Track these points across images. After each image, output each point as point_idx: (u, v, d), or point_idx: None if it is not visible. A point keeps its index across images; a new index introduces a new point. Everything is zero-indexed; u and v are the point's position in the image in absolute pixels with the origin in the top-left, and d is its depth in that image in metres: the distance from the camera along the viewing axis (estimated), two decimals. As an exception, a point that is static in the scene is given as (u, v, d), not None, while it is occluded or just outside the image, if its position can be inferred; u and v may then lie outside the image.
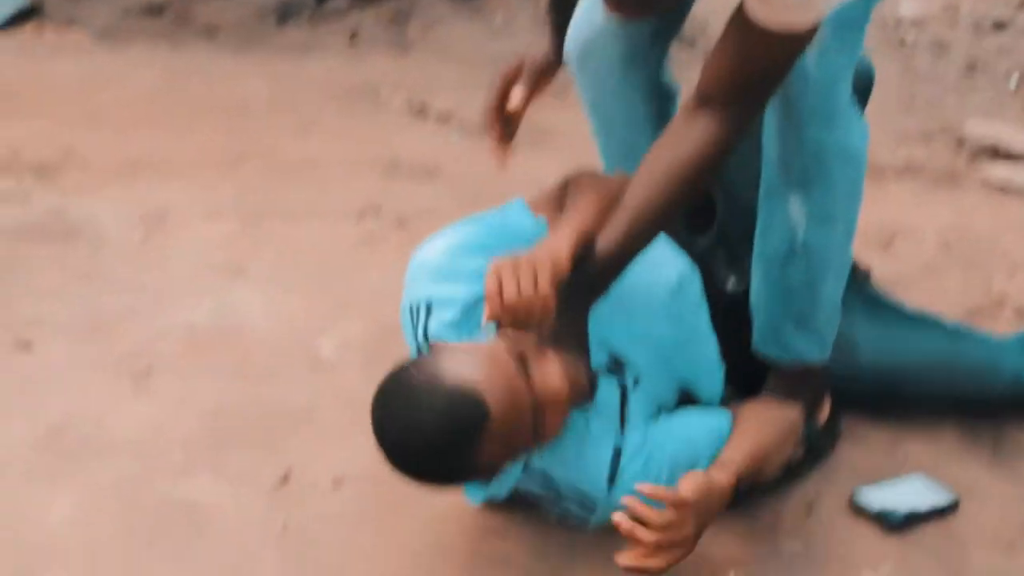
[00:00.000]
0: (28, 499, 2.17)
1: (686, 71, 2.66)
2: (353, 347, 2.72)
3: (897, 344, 2.52)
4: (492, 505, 2.20)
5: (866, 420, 2.53)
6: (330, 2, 5.59)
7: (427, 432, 1.86)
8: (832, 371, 2.42)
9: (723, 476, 2.04)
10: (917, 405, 2.56)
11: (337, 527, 2.15)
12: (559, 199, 2.30)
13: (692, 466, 2.08)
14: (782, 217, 2.28)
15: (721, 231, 2.51)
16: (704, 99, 2.04)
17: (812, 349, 2.37)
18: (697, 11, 2.38)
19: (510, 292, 1.95)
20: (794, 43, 1.96)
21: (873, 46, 5.97)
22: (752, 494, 2.23)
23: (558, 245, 2.04)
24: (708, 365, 2.38)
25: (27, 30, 5.00)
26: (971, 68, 5.59)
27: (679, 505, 1.91)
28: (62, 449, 2.31)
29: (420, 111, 4.43)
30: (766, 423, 2.25)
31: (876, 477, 2.35)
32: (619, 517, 1.89)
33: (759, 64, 1.99)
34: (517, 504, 2.18)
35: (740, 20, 1.98)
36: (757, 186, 2.38)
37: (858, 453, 2.44)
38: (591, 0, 2.55)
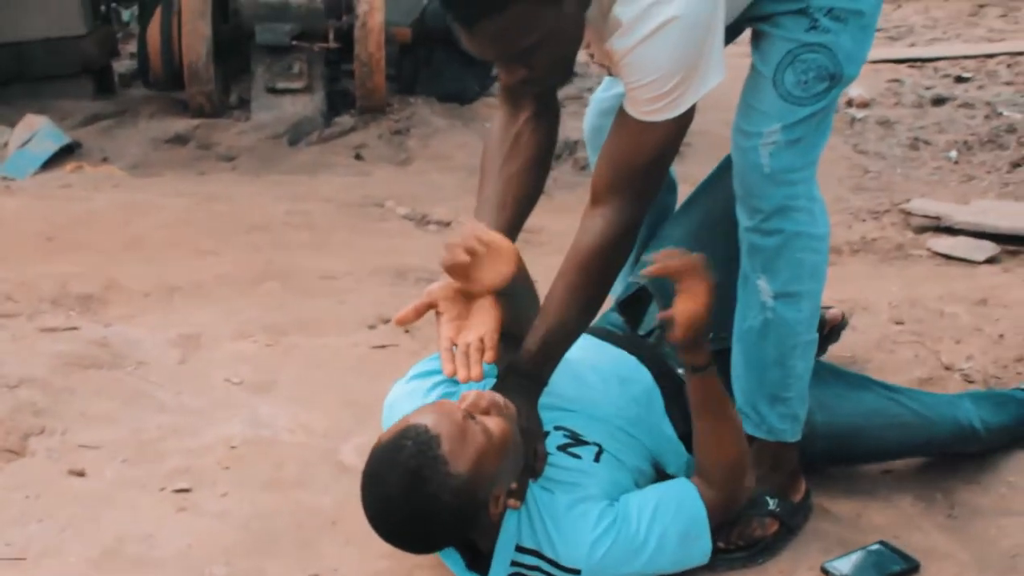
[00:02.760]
0: (89, 618, 2.21)
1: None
2: None
3: (846, 405, 2.56)
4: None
5: (832, 493, 2.58)
6: (336, 122, 5.68)
7: (392, 473, 1.97)
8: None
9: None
10: (873, 458, 2.63)
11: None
12: None
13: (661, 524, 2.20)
14: (754, 299, 2.35)
15: (664, 328, 2.57)
16: (594, 197, 2.17)
17: (786, 426, 2.41)
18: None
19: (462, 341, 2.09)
20: (660, 130, 2.07)
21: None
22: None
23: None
24: (669, 442, 2.44)
25: (67, 168, 5.09)
26: (914, 145, 5.67)
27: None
28: (116, 568, 2.35)
29: (422, 219, 4.50)
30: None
31: (843, 547, 2.39)
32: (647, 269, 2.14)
33: (635, 154, 2.10)
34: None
35: (617, 118, 2.09)
36: None
37: (826, 525, 2.48)
38: (608, 79, 2.62)
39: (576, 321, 2.21)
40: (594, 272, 2.18)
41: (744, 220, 2.31)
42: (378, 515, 2.04)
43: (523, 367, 2.17)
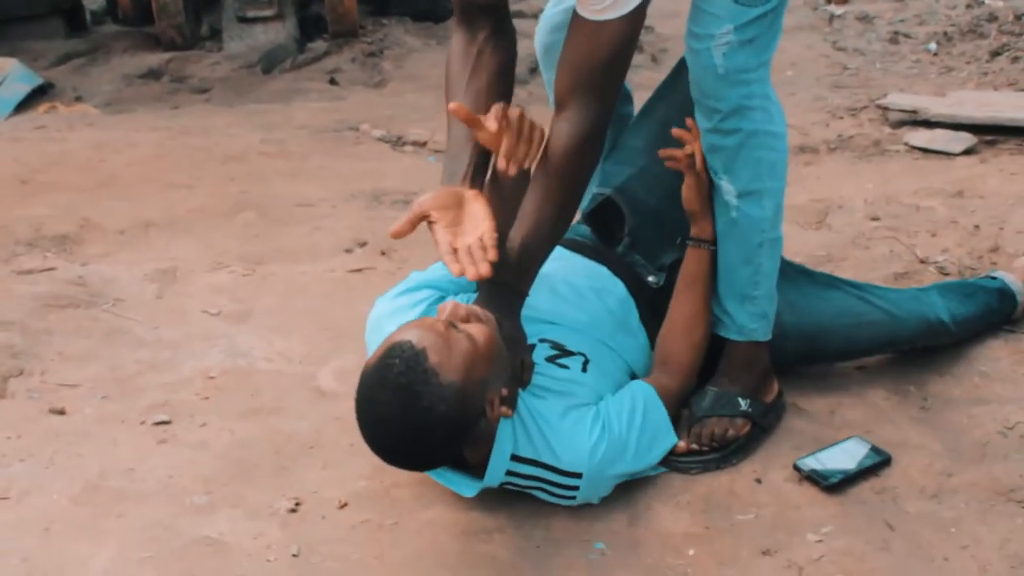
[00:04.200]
0: (72, 553, 2.22)
1: (649, 87, 2.76)
2: (350, 376, 2.73)
3: (814, 304, 2.59)
4: (478, 507, 2.26)
5: (805, 392, 2.60)
6: (309, 48, 5.64)
7: (384, 393, 1.98)
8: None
9: None
10: (843, 357, 2.67)
11: (344, 547, 2.21)
12: None
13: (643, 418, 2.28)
14: (719, 200, 2.37)
15: (632, 237, 2.58)
16: (559, 103, 2.17)
17: (756, 325, 2.44)
18: (661, 31, 2.42)
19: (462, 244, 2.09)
20: (614, 28, 2.07)
21: (805, 25, 6.02)
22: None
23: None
24: (643, 351, 2.49)
25: (40, 109, 5.06)
26: (894, 39, 5.62)
27: None
28: (99, 502, 2.37)
29: (397, 141, 4.49)
30: None
31: (816, 444, 2.41)
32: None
33: (592, 54, 2.10)
34: (508, 494, 2.25)
35: (572, 22, 2.09)
36: (658, 193, 2.48)
37: (800, 423, 2.51)
38: None
39: (551, 228, 2.21)
40: (565, 176, 2.18)
41: (702, 122, 2.32)
42: (377, 437, 2.05)
43: (502, 277, 2.18)
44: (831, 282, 2.66)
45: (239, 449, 2.54)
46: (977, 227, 3.36)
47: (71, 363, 2.91)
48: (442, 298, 2.41)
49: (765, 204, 2.36)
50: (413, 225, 2.13)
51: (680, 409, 2.42)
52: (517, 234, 2.19)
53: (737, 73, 2.24)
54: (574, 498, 2.22)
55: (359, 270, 3.35)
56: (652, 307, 2.52)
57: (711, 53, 2.22)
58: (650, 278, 2.56)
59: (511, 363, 2.17)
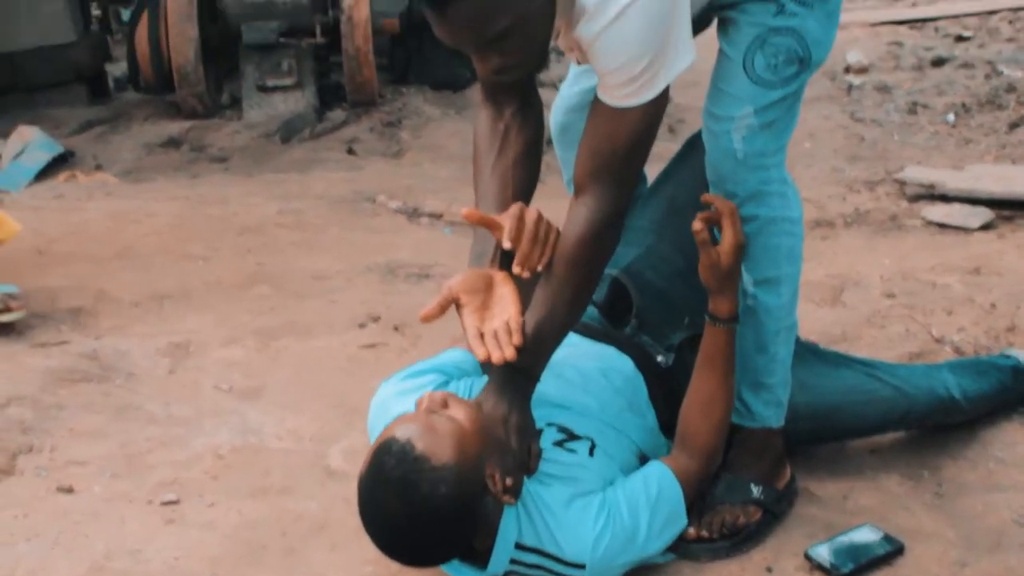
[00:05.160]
0: (77, 636, 2.23)
1: (665, 158, 2.76)
2: (360, 455, 2.73)
3: (825, 383, 2.57)
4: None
5: (818, 476, 2.58)
6: (328, 117, 5.69)
7: (383, 492, 1.99)
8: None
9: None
10: (855, 434, 2.64)
11: (349, 634, 2.20)
12: None
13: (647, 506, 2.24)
14: None
15: (640, 318, 2.57)
16: (578, 187, 2.17)
17: (770, 412, 2.42)
18: (679, 101, 2.42)
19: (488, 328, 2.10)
20: (636, 115, 2.06)
21: (824, 95, 6.04)
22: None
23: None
24: (651, 432, 2.47)
25: (60, 178, 5.11)
26: (912, 109, 5.63)
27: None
28: (104, 584, 2.37)
29: (414, 213, 4.51)
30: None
31: (829, 531, 2.39)
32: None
33: (613, 140, 2.09)
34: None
35: (593, 107, 2.08)
36: (665, 272, 2.47)
37: (812, 509, 2.48)
38: (572, 74, 2.63)
39: (566, 314, 2.21)
40: (581, 262, 2.17)
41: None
42: (388, 539, 2.05)
43: (515, 363, 2.16)
44: (841, 360, 2.65)
45: (247, 530, 2.53)
46: (994, 305, 3.35)
47: (81, 439, 2.91)
48: (447, 382, 2.41)
49: (782, 291, 2.36)
50: (443, 309, 2.14)
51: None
52: (531, 318, 2.18)
53: (756, 157, 2.24)
54: None
55: (372, 345, 3.35)
56: (662, 385, 2.51)
57: (730, 136, 2.23)
58: (659, 358, 2.54)
59: (519, 450, 2.16)
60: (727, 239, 2.26)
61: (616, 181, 2.14)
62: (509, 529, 2.15)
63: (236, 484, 2.71)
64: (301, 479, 2.72)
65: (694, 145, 2.52)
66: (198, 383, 3.19)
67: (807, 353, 2.61)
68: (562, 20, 2.07)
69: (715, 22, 2.34)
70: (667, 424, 2.46)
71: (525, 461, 2.18)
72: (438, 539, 2.04)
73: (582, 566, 2.16)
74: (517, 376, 2.20)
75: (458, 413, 2.09)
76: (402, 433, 2.02)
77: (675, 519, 2.30)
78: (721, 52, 2.29)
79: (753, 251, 2.31)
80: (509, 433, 2.16)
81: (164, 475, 2.75)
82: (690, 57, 2.06)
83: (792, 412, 2.47)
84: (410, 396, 2.36)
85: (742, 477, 2.41)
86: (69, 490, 2.68)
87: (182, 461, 2.81)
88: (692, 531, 2.33)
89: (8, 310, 3.40)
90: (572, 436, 2.35)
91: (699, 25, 2.26)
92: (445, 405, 2.11)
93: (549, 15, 2.02)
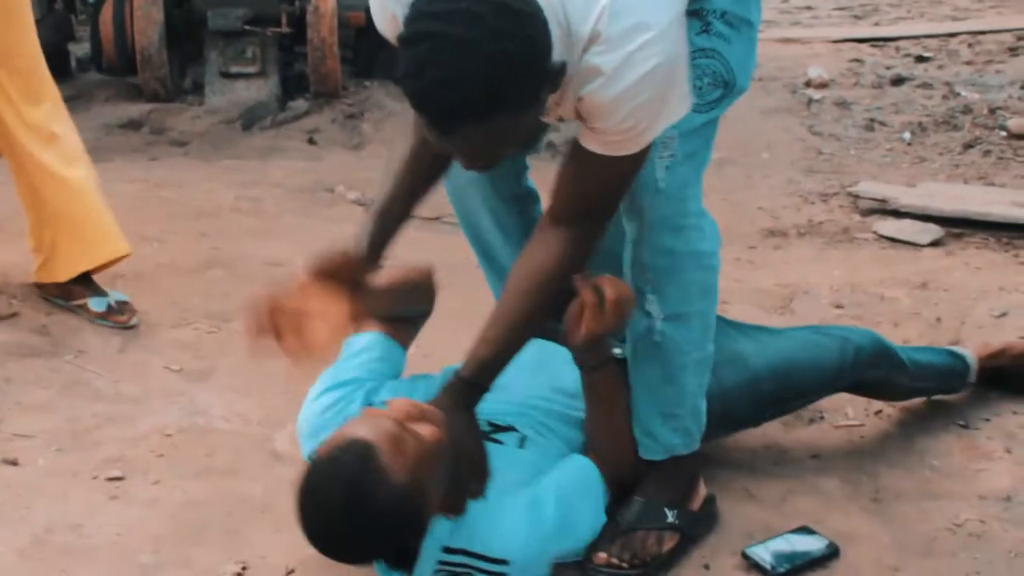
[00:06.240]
0: (15, 607, 2.23)
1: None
2: None
3: (776, 342, 2.63)
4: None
5: (758, 478, 2.62)
6: (290, 106, 5.69)
7: (332, 488, 1.95)
8: (737, 387, 2.51)
9: None
10: (818, 388, 2.66)
11: (288, 615, 2.22)
12: None
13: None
14: (641, 315, 2.33)
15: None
16: (555, 219, 2.14)
17: (678, 440, 2.40)
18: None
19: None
20: (628, 160, 2.04)
21: (783, 107, 6.10)
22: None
23: None
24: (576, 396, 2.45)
25: (16, 153, 5.05)
26: (869, 126, 5.70)
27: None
28: (45, 556, 2.37)
29: (371, 204, 4.50)
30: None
31: (767, 532, 2.42)
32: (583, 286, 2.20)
33: (602, 183, 2.08)
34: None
35: (578, 151, 2.06)
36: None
37: (751, 510, 2.52)
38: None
39: (524, 339, 2.20)
40: (549, 291, 2.16)
41: (632, 233, 2.28)
42: (320, 530, 2.01)
43: (466, 378, 2.17)
44: (783, 328, 2.78)
45: (191, 509, 2.54)
46: (939, 320, 3.41)
47: (28, 413, 2.91)
48: (374, 390, 2.43)
49: (692, 326, 2.33)
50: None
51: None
52: (492, 331, 2.16)
53: (677, 189, 2.21)
54: None
55: (324, 333, 3.35)
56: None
57: (654, 165, 2.17)
58: (616, 351, 2.54)
59: (471, 471, 2.15)
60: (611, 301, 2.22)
61: (601, 218, 2.13)
62: (437, 535, 2.15)
63: (182, 463, 2.72)
64: (247, 461, 2.73)
65: None
66: (148, 363, 3.20)
67: (751, 329, 2.69)
68: (555, 95, 1.98)
69: None
70: None
71: (467, 483, 2.16)
72: (370, 542, 2.02)
73: (507, 562, 2.16)
74: (473, 391, 2.19)
75: (427, 433, 2.05)
76: (370, 437, 1.99)
77: (598, 514, 2.32)
78: None
79: (665, 286, 2.28)
80: (463, 454, 2.14)
81: (110, 452, 2.75)
82: (687, 105, 2.04)
83: (752, 375, 2.52)
84: (339, 415, 2.37)
85: (655, 501, 2.38)
86: (14, 463, 2.69)
87: (128, 439, 2.81)
88: (603, 556, 2.30)
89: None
90: (497, 427, 2.36)
91: None
92: (417, 420, 2.08)
93: (541, 111, 1.97)
